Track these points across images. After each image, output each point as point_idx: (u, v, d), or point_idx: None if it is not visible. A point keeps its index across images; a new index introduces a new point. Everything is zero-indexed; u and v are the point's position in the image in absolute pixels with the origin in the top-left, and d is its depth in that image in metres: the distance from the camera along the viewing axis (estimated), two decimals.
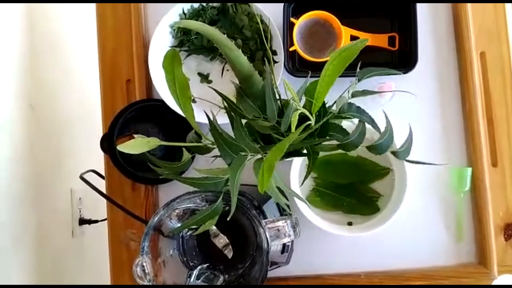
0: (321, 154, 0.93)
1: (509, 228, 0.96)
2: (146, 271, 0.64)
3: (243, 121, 0.65)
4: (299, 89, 0.67)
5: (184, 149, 0.69)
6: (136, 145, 0.59)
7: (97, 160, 1.03)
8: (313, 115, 0.65)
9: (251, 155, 0.65)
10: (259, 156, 0.66)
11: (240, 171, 0.61)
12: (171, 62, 0.57)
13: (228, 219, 0.60)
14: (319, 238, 0.97)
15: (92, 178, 1.01)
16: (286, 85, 0.60)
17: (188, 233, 0.77)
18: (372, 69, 0.73)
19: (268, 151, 0.66)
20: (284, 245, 0.89)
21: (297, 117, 0.60)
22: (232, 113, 0.62)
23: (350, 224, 0.95)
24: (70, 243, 1.31)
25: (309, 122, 0.64)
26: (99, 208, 1.05)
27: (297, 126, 0.61)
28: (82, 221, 1.32)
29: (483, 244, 0.94)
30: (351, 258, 0.97)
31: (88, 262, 1.32)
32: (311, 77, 0.80)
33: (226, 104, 0.62)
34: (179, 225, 0.70)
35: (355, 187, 0.96)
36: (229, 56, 0.58)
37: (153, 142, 0.61)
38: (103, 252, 1.00)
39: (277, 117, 0.63)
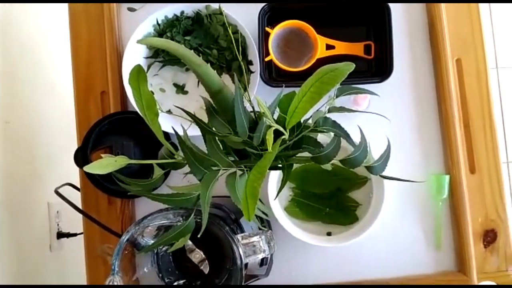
0: (299, 164, 0.93)
1: (488, 235, 0.96)
2: None
3: None
4: (273, 101, 0.66)
5: (156, 165, 0.68)
6: (103, 165, 0.58)
7: (74, 172, 1.02)
8: (287, 130, 0.64)
9: (224, 170, 0.64)
10: (232, 170, 0.65)
11: (212, 187, 0.60)
12: (136, 79, 0.56)
13: (199, 236, 0.59)
14: (299, 249, 0.96)
15: (69, 190, 0.99)
16: (258, 102, 0.59)
17: (163, 249, 0.76)
18: (349, 87, 0.73)
19: (242, 165, 0.65)
20: (263, 257, 0.88)
21: (272, 134, 0.59)
22: (203, 131, 0.61)
23: (329, 234, 0.94)
24: (48, 257, 1.29)
25: (283, 137, 0.63)
26: (77, 221, 1.02)
27: (275, 143, 0.60)
28: (60, 235, 1.30)
29: (462, 251, 0.94)
30: (331, 268, 0.96)
31: (67, 275, 1.30)
32: (287, 86, 0.79)
33: (196, 123, 0.61)
34: (152, 242, 0.69)
35: (333, 196, 0.95)
36: (198, 71, 0.57)
37: (120, 161, 0.60)
38: (82, 266, 0.99)
39: (250, 132, 0.62)
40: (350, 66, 0.56)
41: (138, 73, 0.57)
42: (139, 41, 0.52)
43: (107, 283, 0.62)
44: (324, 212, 0.95)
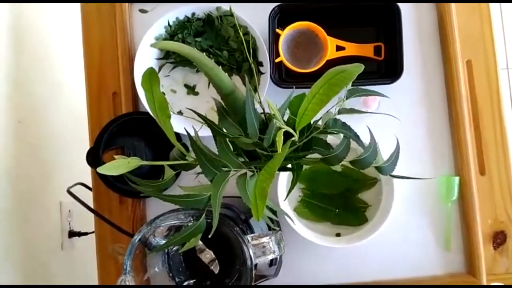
0: (309, 165, 0.93)
1: (498, 237, 0.96)
2: None
3: None
4: (283, 102, 0.66)
5: (167, 166, 0.69)
6: (115, 166, 0.59)
7: (86, 172, 1.03)
8: (297, 132, 0.64)
9: (234, 171, 0.65)
10: (243, 171, 0.66)
11: (223, 188, 0.61)
12: (149, 81, 0.57)
13: (209, 236, 0.59)
14: (308, 249, 0.96)
15: (81, 190, 1.00)
16: (268, 104, 0.60)
17: (173, 249, 0.76)
18: (359, 89, 0.73)
19: (252, 166, 0.66)
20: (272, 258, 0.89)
21: (282, 136, 0.60)
22: (214, 132, 0.62)
23: (338, 235, 0.95)
24: (60, 256, 1.30)
25: (293, 138, 0.64)
26: (89, 220, 1.04)
27: (285, 144, 0.61)
28: (72, 234, 1.31)
29: (471, 253, 0.94)
30: (340, 269, 0.97)
31: (78, 274, 1.32)
32: (297, 87, 0.80)
33: (207, 124, 0.61)
34: (163, 242, 0.70)
35: (343, 197, 0.95)
36: (209, 74, 0.58)
37: (133, 163, 0.60)
38: (93, 264, 1.00)
39: (260, 133, 0.63)
40: (359, 68, 0.56)
41: (151, 76, 0.57)
42: (152, 45, 0.53)
43: (118, 282, 0.63)
44: (334, 213, 0.95)
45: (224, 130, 0.63)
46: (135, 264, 0.69)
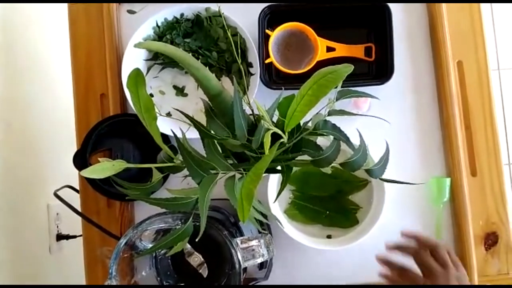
0: (299, 167, 0.93)
1: (489, 238, 0.96)
2: None
3: None
4: (272, 103, 0.65)
5: (154, 169, 0.67)
6: (100, 169, 0.57)
7: (74, 175, 1.01)
8: (286, 133, 0.63)
9: (222, 173, 0.64)
10: (231, 173, 0.64)
11: (210, 191, 0.60)
12: (135, 82, 0.56)
13: (197, 239, 0.58)
14: (299, 251, 0.95)
15: (69, 193, 0.99)
16: (256, 105, 0.59)
17: (161, 253, 0.75)
18: (349, 91, 0.72)
19: (241, 168, 0.65)
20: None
21: (270, 137, 0.59)
22: (202, 134, 0.61)
23: (329, 237, 0.94)
24: (47, 259, 1.28)
25: (282, 140, 0.63)
26: (77, 223, 1.02)
27: (270, 142, 0.60)
28: (60, 237, 1.29)
29: (463, 254, 0.93)
30: (331, 271, 0.96)
31: (66, 277, 1.30)
32: (287, 89, 0.79)
33: (194, 125, 0.60)
34: (150, 245, 0.69)
35: (333, 199, 0.94)
36: (195, 75, 0.56)
37: (118, 165, 0.59)
38: (81, 268, 0.98)
39: (248, 135, 0.62)
40: (349, 68, 0.55)
41: (136, 77, 0.56)
42: (136, 45, 0.51)
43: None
44: (324, 215, 0.94)
45: (212, 131, 0.62)
46: (121, 268, 0.68)
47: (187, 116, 0.60)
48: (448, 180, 0.95)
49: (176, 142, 0.61)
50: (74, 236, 1.30)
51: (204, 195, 0.59)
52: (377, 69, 0.97)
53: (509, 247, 0.95)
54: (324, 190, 0.95)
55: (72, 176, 1.01)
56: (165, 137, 0.87)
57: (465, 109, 0.98)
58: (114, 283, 0.62)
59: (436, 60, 0.98)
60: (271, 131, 0.58)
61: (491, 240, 0.96)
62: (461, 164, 0.95)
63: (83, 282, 0.98)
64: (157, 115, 0.61)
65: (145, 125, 0.60)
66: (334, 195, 0.95)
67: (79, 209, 0.97)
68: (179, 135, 0.63)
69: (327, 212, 0.94)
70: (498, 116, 0.99)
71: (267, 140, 0.56)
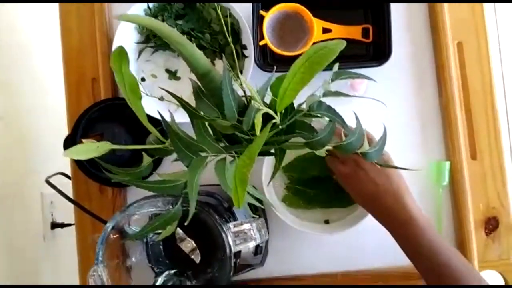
0: (294, 153, 0.90)
1: (489, 223, 0.94)
2: (103, 281, 0.60)
3: None
4: (263, 84, 0.63)
5: (144, 153, 0.65)
6: (84, 150, 0.55)
7: (67, 162, 1.00)
8: (278, 113, 0.61)
9: (213, 156, 0.62)
10: (222, 156, 0.62)
11: (199, 173, 0.58)
12: (119, 61, 0.54)
13: (186, 223, 0.56)
14: (295, 237, 0.94)
15: (62, 181, 0.98)
16: (245, 84, 0.57)
17: (152, 238, 0.74)
18: (345, 72, 0.70)
19: (232, 151, 0.63)
20: (257, 246, 0.86)
21: (261, 118, 0.56)
22: (190, 115, 0.59)
23: (327, 222, 0.92)
24: (42, 247, 1.27)
25: (274, 120, 0.61)
26: (71, 211, 1.01)
27: (262, 124, 0.58)
28: (54, 225, 1.28)
29: (463, 239, 0.91)
30: (328, 258, 0.94)
31: (61, 265, 1.29)
32: (282, 71, 0.77)
33: (182, 105, 0.58)
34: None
35: (331, 179, 0.92)
36: (183, 53, 0.54)
37: (103, 147, 0.57)
38: (75, 256, 0.97)
39: (239, 116, 0.59)
40: (341, 44, 0.53)
41: (120, 55, 0.54)
42: (118, 18, 0.49)
43: (90, 273, 0.60)
44: (323, 196, 0.91)
45: (201, 112, 0.60)
46: (110, 252, 0.66)
47: (175, 96, 0.58)
48: (447, 164, 0.93)
49: (162, 123, 0.58)
50: (69, 224, 1.29)
51: (193, 178, 0.57)
52: (374, 50, 0.95)
53: (510, 231, 0.93)
54: (321, 171, 0.92)
55: (66, 163, 1.00)
56: (156, 121, 0.84)
57: (465, 90, 0.95)
58: (100, 269, 0.60)
59: (435, 41, 0.96)
60: (262, 111, 0.56)
61: (491, 225, 0.94)
62: (461, 147, 0.92)
63: (76, 270, 0.96)
64: (146, 96, 0.59)
65: (130, 104, 0.58)
66: (331, 176, 0.92)
67: (72, 196, 0.95)
68: (167, 117, 0.61)
69: (325, 194, 0.91)
70: (499, 99, 0.97)
71: (258, 121, 0.54)
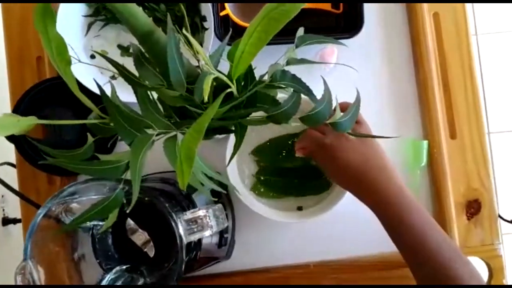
0: (263, 139, 0.83)
1: (471, 206, 0.88)
2: (33, 280, 0.52)
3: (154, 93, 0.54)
4: (216, 49, 0.55)
5: (88, 134, 0.57)
6: (2, 126, 0.47)
7: (12, 149, 0.91)
8: (234, 82, 0.53)
9: (161, 133, 0.54)
10: (172, 133, 0.54)
11: (144, 153, 0.50)
12: (43, 20, 0.45)
13: (127, 211, 0.48)
14: (265, 226, 0.86)
15: (10, 172, 0.89)
16: (195, 48, 0.49)
17: (99, 231, 0.65)
18: (311, 36, 0.63)
19: (184, 128, 0.55)
20: (221, 237, 0.79)
21: (210, 83, 0.49)
22: (130, 83, 0.51)
23: (300, 208, 0.84)
24: None
25: (229, 90, 0.53)
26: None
27: (218, 96, 0.50)
28: (6, 221, 1.18)
29: (443, 224, 0.85)
30: (300, 248, 0.87)
31: (16, 264, 1.19)
32: None
33: (120, 72, 0.50)
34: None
35: (303, 166, 0.84)
36: (119, 9, 0.46)
37: (25, 122, 0.48)
38: None
39: (188, 85, 0.51)
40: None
41: (44, 13, 0.46)
42: None
43: (17, 270, 0.52)
44: (294, 184, 0.84)
45: (146, 82, 0.52)
46: (52, 245, 0.58)
47: (110, 60, 0.49)
48: (425, 143, 0.86)
49: (100, 94, 0.50)
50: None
51: (136, 158, 0.49)
52: (345, 22, 0.88)
53: (492, 215, 0.88)
54: (291, 160, 0.85)
55: (11, 151, 0.91)
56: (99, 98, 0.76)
57: (442, 65, 0.89)
58: (30, 265, 0.52)
59: (410, 12, 0.89)
60: (213, 76, 0.48)
61: (473, 208, 0.88)
62: (439, 126, 0.87)
63: None
64: (87, 69, 0.51)
65: (58, 71, 0.49)
66: (302, 163, 0.85)
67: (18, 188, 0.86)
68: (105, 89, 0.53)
69: (297, 180, 0.84)
70: (478, 74, 0.91)
71: (207, 86, 0.46)
